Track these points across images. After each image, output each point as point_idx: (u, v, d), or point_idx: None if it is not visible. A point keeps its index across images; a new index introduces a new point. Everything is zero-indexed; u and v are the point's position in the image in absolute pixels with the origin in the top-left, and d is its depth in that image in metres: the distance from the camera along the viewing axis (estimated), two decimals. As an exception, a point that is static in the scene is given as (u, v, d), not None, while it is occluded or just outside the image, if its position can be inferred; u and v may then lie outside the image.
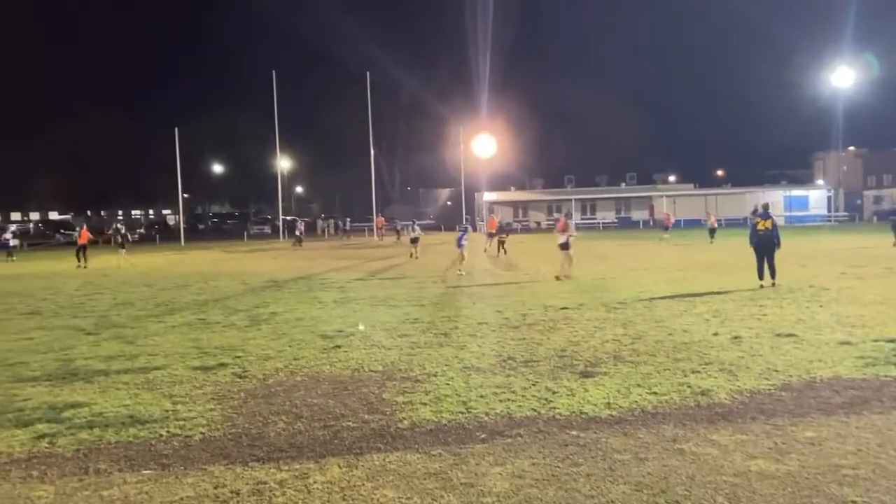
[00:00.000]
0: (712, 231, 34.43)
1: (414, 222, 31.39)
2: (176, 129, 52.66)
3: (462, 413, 6.11)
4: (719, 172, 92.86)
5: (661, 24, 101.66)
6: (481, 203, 67.78)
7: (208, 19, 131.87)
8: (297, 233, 44.71)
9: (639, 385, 6.88)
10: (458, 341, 9.47)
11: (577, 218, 63.14)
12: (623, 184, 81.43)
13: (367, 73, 56.16)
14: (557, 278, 17.27)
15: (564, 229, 17.79)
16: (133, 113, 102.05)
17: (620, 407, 6.18)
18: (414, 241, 28.78)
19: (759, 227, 14.74)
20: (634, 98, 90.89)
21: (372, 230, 54.65)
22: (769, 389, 6.63)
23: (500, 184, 74.50)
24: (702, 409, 6.07)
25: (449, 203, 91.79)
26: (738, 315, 11.03)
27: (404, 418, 6.02)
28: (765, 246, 14.67)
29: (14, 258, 34.95)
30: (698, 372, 7.36)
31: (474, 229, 57.07)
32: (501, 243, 28.92)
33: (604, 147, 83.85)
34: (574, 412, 6.06)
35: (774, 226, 14.71)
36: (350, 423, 5.93)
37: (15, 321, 12.84)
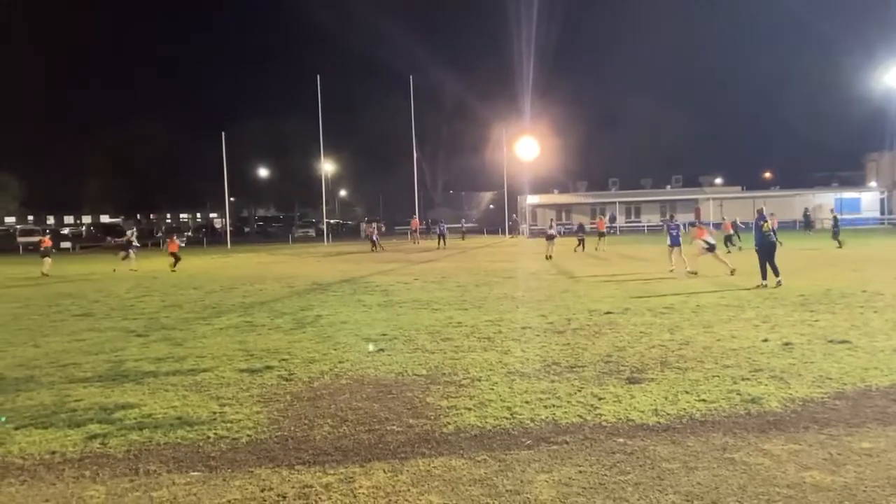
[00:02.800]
0: (728, 238, 30.89)
1: (441, 223, 43.84)
2: (223, 134, 53.58)
3: (507, 419, 6.07)
4: (767, 174, 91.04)
5: (707, 24, 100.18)
6: (524, 206, 67.51)
7: (256, 24, 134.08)
8: (374, 237, 41.79)
9: (687, 392, 6.75)
10: (502, 346, 9.43)
11: (620, 221, 62.58)
12: (668, 186, 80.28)
13: (411, 77, 56.43)
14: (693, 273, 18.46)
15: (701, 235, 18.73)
16: (181, 118, 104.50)
17: (668, 414, 6.07)
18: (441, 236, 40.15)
19: (764, 229, 15.80)
20: (680, 99, 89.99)
21: (412, 233, 54.63)
22: (822, 398, 6.46)
23: (543, 187, 74.14)
24: (752, 418, 5.93)
25: (492, 206, 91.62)
26: (789, 321, 10.78)
27: (449, 423, 6.00)
28: (767, 247, 15.67)
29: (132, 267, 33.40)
30: (748, 379, 7.20)
31: (517, 231, 56.90)
32: (581, 241, 32.54)
33: (649, 149, 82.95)
34: (621, 419, 5.97)
35: (773, 228, 16.15)
36: (394, 428, 5.93)
37: (68, 322, 13.17)
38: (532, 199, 68.01)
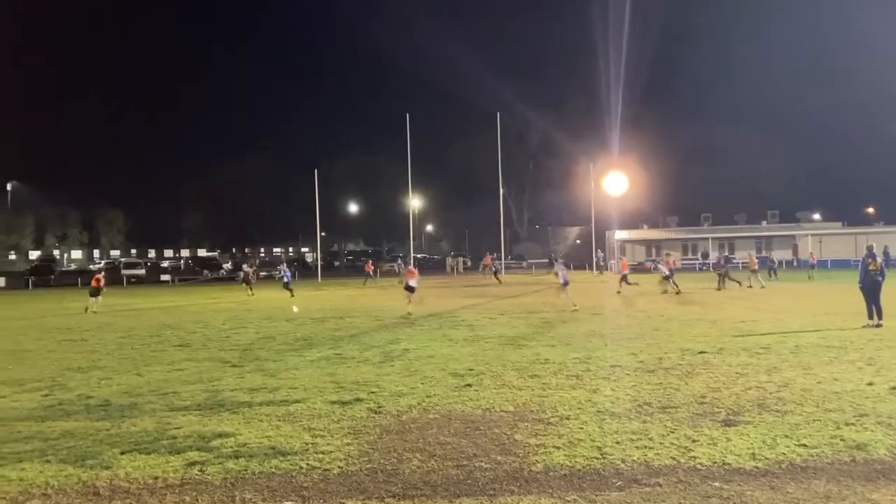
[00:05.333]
0: (754, 273, 31.34)
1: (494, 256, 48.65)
2: (315, 171, 55.28)
3: (597, 458, 5.98)
4: (870, 210, 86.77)
5: (802, 55, 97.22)
6: (612, 241, 66.54)
7: (347, 65, 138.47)
8: (493, 269, 44.74)
9: (786, 436, 6.48)
10: (591, 384, 9.29)
11: (712, 258, 60.73)
12: (764, 222, 77.59)
13: (497, 114, 56.83)
14: None
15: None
16: (276, 155, 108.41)
17: (766, 458, 5.84)
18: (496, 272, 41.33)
19: (871, 267, 15.04)
20: (775, 133, 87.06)
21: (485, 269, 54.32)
22: (937, 447, 6.08)
23: (631, 222, 72.93)
24: (858, 465, 5.64)
25: (578, 241, 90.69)
26: (897, 364, 10.22)
27: (537, 461, 5.95)
28: (872, 286, 14.99)
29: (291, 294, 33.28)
30: (852, 424, 6.86)
31: (605, 268, 56.07)
32: (723, 277, 30.28)
33: (743, 183, 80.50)
34: (716, 462, 5.79)
35: (882, 266, 15.32)
36: (483, 464, 5.92)
37: (167, 352, 13.75)
38: (620, 235, 67.02)
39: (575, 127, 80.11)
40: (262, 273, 33.69)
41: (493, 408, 8.00)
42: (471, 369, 10.63)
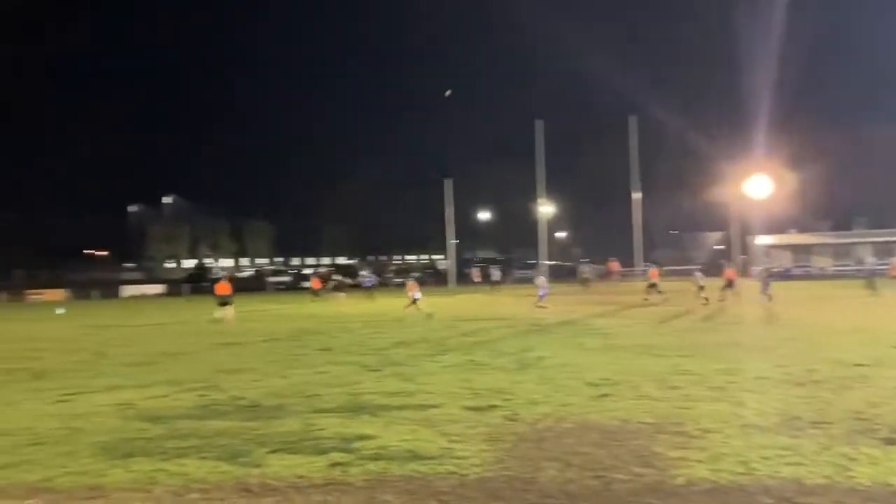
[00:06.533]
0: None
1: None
2: (444, 181, 56.14)
3: (743, 474, 5.70)
4: None
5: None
6: (754, 247, 63.36)
7: (476, 72, 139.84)
8: (586, 275, 43.93)
9: (959, 458, 5.95)
10: (735, 396, 8.88)
11: (870, 263, 56.60)
12: (928, 227, 71.39)
13: (629, 118, 55.61)
14: None
15: None
16: (409, 165, 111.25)
17: (936, 482, 5.38)
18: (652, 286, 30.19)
19: None
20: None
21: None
22: None
23: (776, 226, 69.13)
24: None
25: (719, 247, 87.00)
26: None
27: (679, 475, 5.76)
28: None
29: (372, 298, 37.51)
30: None
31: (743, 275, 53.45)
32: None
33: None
34: (878, 483, 5.39)
35: None
36: (621, 476, 5.79)
37: (310, 356, 14.34)
38: (764, 240, 63.68)
39: (715, 127, 77.11)
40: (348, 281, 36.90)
41: (631, 419, 7.81)
42: (607, 378, 10.43)
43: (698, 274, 28.70)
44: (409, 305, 23.55)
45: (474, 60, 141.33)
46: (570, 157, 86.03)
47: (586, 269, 45.47)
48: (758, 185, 60.79)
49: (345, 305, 34.24)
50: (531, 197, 67.06)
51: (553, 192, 71.95)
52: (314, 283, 43.00)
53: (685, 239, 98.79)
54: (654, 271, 32.32)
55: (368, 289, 41.79)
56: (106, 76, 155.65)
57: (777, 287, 31.09)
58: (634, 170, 55.88)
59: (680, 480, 5.63)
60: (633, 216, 57.55)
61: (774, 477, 5.62)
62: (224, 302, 24.81)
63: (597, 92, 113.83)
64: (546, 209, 67.09)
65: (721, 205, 69.11)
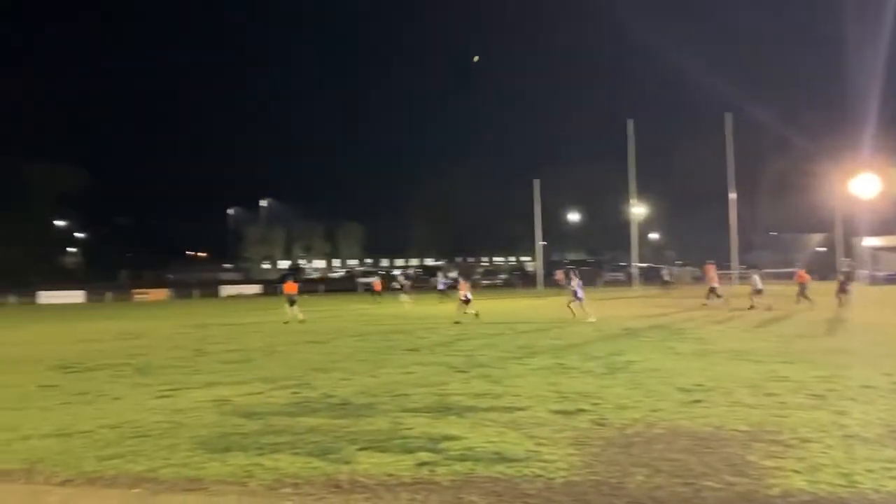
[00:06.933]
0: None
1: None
2: (534, 181, 55.80)
3: (844, 487, 5.46)
4: None
5: None
6: (860, 249, 60.28)
7: (564, 72, 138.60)
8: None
9: None
10: (837, 405, 8.49)
11: None
12: None
13: (725, 115, 53.93)
14: None
15: None
16: (496, 165, 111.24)
17: None
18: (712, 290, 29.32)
19: None
20: None
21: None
22: None
23: (884, 227, 65.56)
24: None
25: (822, 249, 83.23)
26: None
27: (774, 485, 5.56)
28: None
29: (443, 301, 38.46)
30: None
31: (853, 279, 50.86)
32: None
33: None
34: None
35: None
36: (712, 484, 5.64)
37: (398, 356, 14.56)
38: (871, 242, 60.50)
39: (816, 124, 73.94)
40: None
41: (724, 426, 7.59)
42: (699, 384, 10.16)
43: (756, 277, 27.61)
44: (460, 306, 23.65)
45: (567, 60, 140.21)
46: (664, 156, 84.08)
47: (666, 272, 44.22)
48: (865, 184, 57.84)
49: (408, 306, 34.83)
50: (622, 198, 65.98)
51: (645, 192, 70.58)
52: (376, 286, 43.98)
53: (785, 240, 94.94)
54: (709, 267, 31.36)
55: (442, 291, 42.48)
56: (205, 90, 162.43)
57: (884, 292, 29.55)
58: (730, 169, 54.07)
59: (775, 491, 5.44)
60: (728, 217, 55.64)
61: (879, 491, 5.36)
62: (293, 301, 25.92)
63: (691, 90, 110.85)
64: (638, 210, 65.79)
65: (825, 205, 66.12)
